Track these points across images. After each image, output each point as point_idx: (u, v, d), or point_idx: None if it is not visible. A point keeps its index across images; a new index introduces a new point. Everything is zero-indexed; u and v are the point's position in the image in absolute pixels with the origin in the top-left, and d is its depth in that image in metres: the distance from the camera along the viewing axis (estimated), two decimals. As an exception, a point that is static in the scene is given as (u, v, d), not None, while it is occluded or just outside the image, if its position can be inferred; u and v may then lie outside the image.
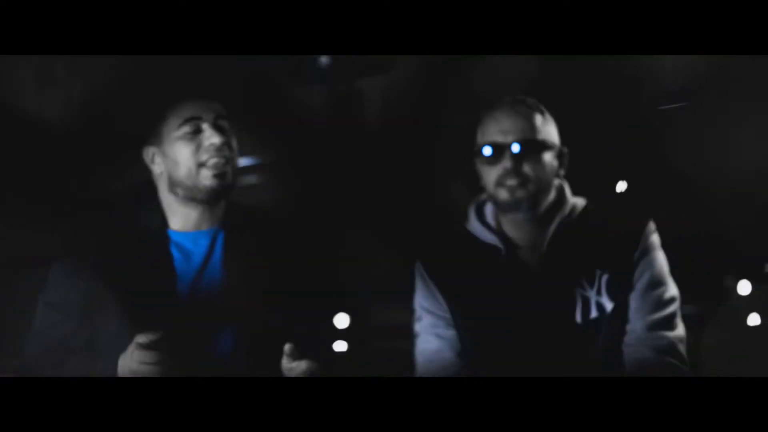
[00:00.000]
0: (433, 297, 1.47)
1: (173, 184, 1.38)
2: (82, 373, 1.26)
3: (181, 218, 1.40)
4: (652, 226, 1.47)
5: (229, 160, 1.36)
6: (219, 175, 1.34)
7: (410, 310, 1.51)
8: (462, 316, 1.44)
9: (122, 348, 1.25)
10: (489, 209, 1.50)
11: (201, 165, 1.34)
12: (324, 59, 1.37)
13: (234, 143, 1.38)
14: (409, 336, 1.50)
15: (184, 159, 1.35)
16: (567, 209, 1.47)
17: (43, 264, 1.43)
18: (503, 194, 1.41)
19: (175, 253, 1.38)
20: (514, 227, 1.46)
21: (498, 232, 1.47)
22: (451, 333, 1.44)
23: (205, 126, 1.35)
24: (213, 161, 1.34)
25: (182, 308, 1.34)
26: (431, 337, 1.45)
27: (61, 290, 1.37)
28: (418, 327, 1.48)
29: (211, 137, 1.34)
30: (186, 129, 1.35)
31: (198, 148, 1.35)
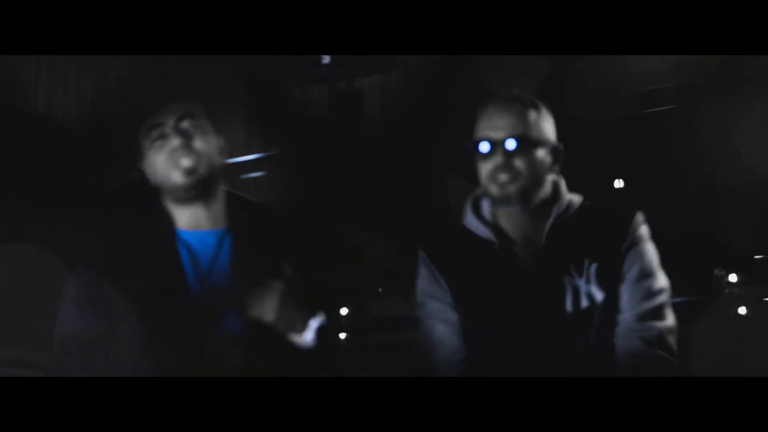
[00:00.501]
0: (437, 282, 1.48)
1: (164, 191, 1.41)
2: (105, 367, 1.30)
3: (183, 218, 1.41)
4: (640, 217, 1.48)
5: (200, 157, 1.36)
6: (188, 172, 1.35)
7: (413, 298, 1.51)
8: (462, 308, 1.45)
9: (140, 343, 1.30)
10: (485, 204, 1.51)
11: (172, 167, 1.37)
12: (325, 59, 1.37)
13: (203, 139, 1.39)
14: (412, 325, 1.50)
15: (159, 166, 1.38)
16: (563, 205, 1.48)
17: (57, 263, 1.45)
18: (494, 189, 1.42)
19: (182, 251, 1.38)
20: (509, 222, 1.47)
21: (493, 227, 1.47)
22: (454, 317, 1.45)
23: (168, 130, 1.37)
24: (179, 161, 1.36)
25: (190, 305, 1.35)
26: (436, 323, 1.45)
27: (81, 287, 1.39)
28: (422, 314, 1.48)
29: (172, 141, 1.36)
30: (153, 136, 1.38)
31: (166, 153, 1.37)
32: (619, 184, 1.93)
